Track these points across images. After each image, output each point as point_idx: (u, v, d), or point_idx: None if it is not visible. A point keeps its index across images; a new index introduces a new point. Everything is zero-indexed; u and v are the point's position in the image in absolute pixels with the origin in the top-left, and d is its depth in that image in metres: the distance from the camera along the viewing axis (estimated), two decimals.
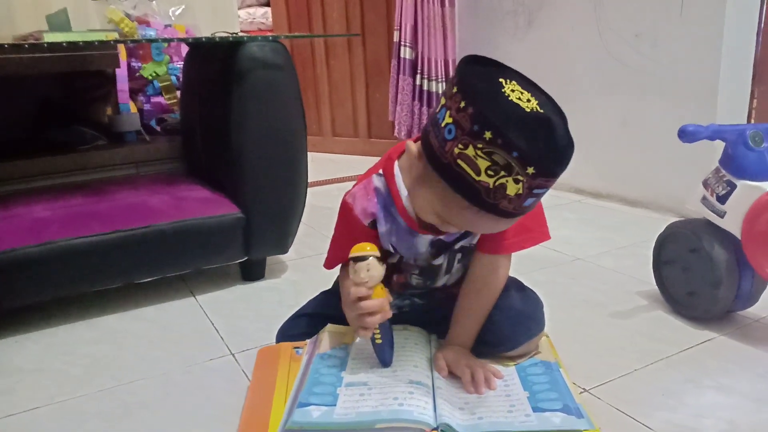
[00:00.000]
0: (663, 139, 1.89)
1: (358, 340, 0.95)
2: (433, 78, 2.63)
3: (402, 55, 2.69)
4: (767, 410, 0.91)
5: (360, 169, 1.11)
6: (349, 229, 0.91)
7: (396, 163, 0.88)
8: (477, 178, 0.70)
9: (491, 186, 0.70)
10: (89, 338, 1.24)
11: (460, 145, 0.70)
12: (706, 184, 1.18)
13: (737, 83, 1.81)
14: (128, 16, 1.79)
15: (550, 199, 2.12)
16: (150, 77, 1.86)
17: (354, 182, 0.95)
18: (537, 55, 2.31)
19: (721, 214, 1.13)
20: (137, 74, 1.87)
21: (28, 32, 1.57)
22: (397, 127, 2.79)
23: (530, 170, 0.69)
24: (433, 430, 0.77)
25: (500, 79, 0.71)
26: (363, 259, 0.84)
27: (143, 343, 1.20)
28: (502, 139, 0.67)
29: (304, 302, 1.07)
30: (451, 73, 2.50)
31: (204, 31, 1.92)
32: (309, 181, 1.51)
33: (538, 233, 0.93)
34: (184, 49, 1.87)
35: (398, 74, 2.73)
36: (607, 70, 2.07)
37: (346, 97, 3.08)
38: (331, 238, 0.98)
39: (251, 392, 0.91)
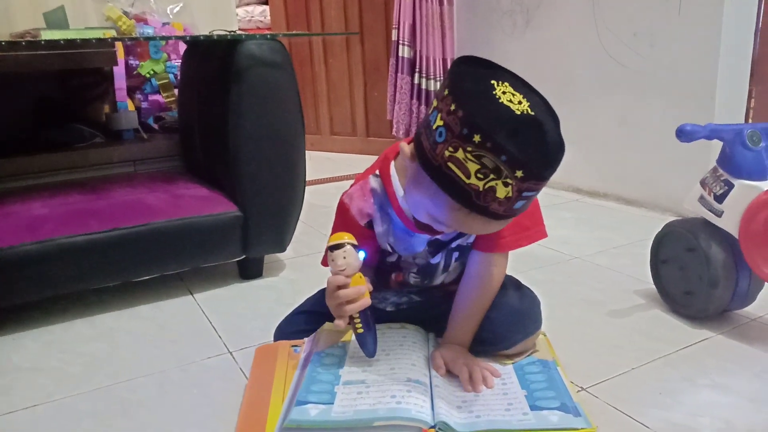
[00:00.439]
0: (661, 139, 1.90)
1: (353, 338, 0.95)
2: (432, 76, 2.63)
3: (400, 54, 2.69)
4: (763, 409, 0.91)
5: (358, 167, 1.11)
6: (346, 228, 0.91)
7: (392, 163, 0.88)
8: (467, 181, 0.70)
9: (481, 189, 0.70)
10: (87, 336, 1.24)
11: (450, 148, 0.70)
12: (703, 183, 1.18)
13: (735, 83, 1.81)
14: (126, 13, 1.79)
15: (548, 198, 2.15)
16: (148, 75, 1.85)
17: (352, 181, 0.95)
18: (535, 55, 2.31)
19: (719, 214, 1.13)
20: (135, 72, 1.86)
21: (26, 30, 1.57)
22: (395, 126, 2.79)
23: (519, 174, 0.69)
24: (430, 428, 0.77)
25: (492, 81, 0.71)
26: (340, 247, 0.84)
27: (141, 342, 1.20)
28: (491, 143, 0.68)
29: (302, 300, 1.07)
30: None
31: (202, 29, 1.92)
32: (307, 179, 1.51)
33: (535, 231, 0.93)
34: (182, 47, 1.87)
35: (396, 73, 2.73)
36: (605, 69, 2.07)
37: (344, 95, 3.08)
38: (329, 237, 0.98)
39: (249, 390, 0.91)
